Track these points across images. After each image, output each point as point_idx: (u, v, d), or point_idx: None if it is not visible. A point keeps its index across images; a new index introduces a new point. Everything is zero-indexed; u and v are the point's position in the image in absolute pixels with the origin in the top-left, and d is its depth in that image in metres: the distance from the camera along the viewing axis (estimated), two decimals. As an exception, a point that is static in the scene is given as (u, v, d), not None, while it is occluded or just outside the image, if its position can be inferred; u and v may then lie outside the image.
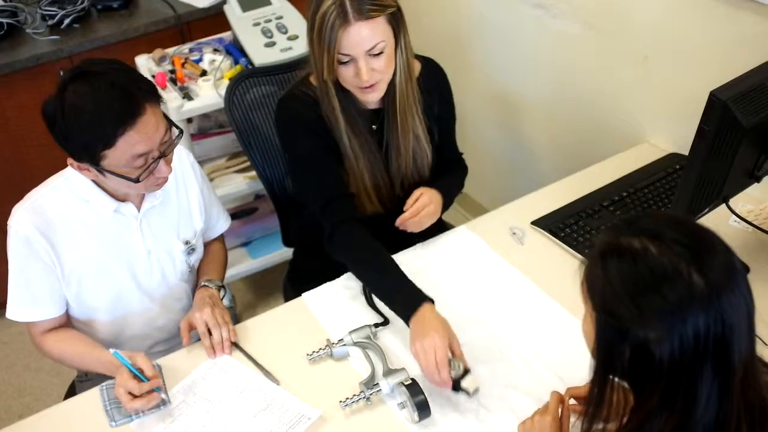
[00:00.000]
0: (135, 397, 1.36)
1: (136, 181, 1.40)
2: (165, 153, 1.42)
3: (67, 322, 1.61)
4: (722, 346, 0.86)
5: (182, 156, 1.65)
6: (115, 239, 1.55)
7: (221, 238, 1.87)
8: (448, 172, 1.86)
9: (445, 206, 1.77)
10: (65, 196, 1.50)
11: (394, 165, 1.74)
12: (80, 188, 1.50)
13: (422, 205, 1.68)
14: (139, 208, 1.55)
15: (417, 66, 1.72)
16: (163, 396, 1.40)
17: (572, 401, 1.27)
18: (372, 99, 1.61)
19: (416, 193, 1.70)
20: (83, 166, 1.40)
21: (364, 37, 1.47)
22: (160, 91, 2.17)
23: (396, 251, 1.70)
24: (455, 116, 1.87)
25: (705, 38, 1.82)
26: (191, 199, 1.67)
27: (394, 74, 1.60)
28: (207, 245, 1.80)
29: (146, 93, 1.37)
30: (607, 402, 0.96)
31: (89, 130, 1.33)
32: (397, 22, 1.53)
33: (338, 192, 1.66)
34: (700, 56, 1.85)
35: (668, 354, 0.87)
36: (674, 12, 1.87)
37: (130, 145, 1.35)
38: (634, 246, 0.90)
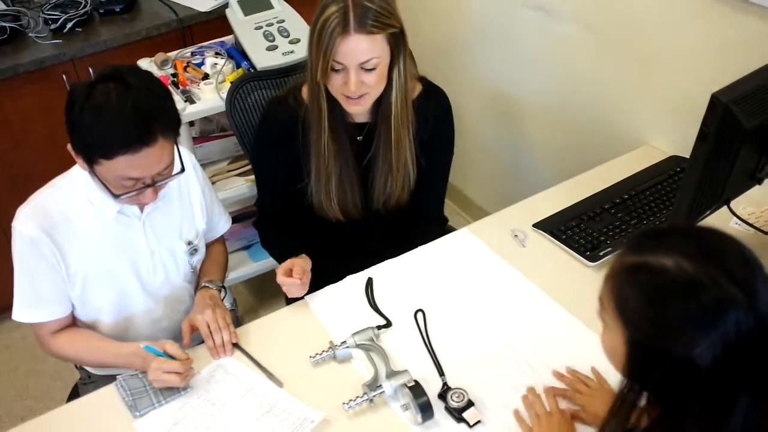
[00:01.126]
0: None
1: (116, 197, 1.41)
2: (155, 182, 1.42)
3: (73, 322, 1.61)
4: (763, 346, 0.86)
5: (185, 157, 1.65)
6: (118, 240, 1.55)
7: (222, 240, 1.88)
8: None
9: None
10: (69, 197, 1.51)
11: (378, 180, 1.75)
12: (84, 189, 1.50)
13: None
14: (142, 209, 1.55)
15: (417, 88, 1.74)
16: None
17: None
18: (355, 111, 1.63)
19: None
20: (78, 157, 1.40)
21: (360, 49, 1.49)
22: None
23: (370, 259, 1.73)
24: (452, 152, 1.86)
25: (706, 41, 1.83)
26: (193, 200, 1.68)
27: (390, 93, 1.62)
28: (208, 246, 1.80)
29: (166, 126, 1.37)
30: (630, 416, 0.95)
31: (97, 135, 1.33)
32: (396, 43, 1.55)
33: (270, 210, 1.88)
34: (700, 58, 1.86)
35: (711, 362, 0.85)
36: (675, 14, 1.88)
37: (126, 167, 1.35)
38: (667, 265, 0.87)
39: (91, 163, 1.37)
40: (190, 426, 1.37)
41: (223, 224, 1.84)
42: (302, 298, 1.64)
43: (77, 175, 1.50)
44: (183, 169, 1.48)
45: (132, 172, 1.37)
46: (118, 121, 1.32)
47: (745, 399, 0.88)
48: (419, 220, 1.88)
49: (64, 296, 1.55)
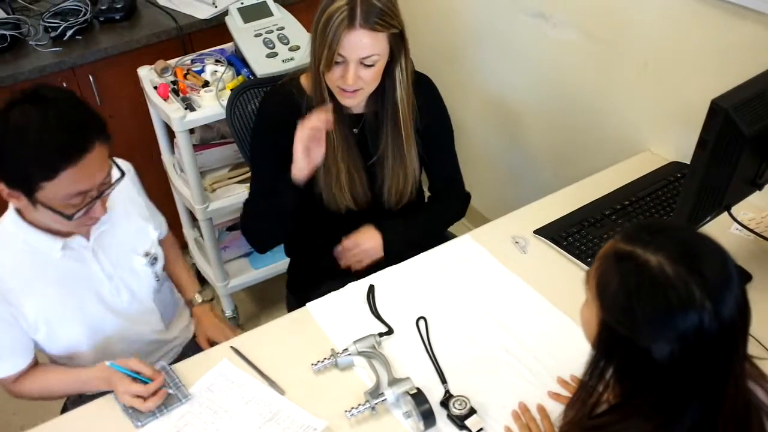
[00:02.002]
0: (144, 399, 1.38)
1: (70, 218, 1.34)
2: (102, 193, 1.37)
3: (35, 362, 1.56)
4: (720, 351, 0.91)
5: (121, 162, 1.58)
6: (71, 276, 1.50)
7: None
8: (432, 205, 1.91)
9: (397, 243, 1.79)
10: (7, 248, 1.44)
11: (390, 178, 1.76)
12: (22, 235, 1.43)
13: (350, 247, 1.76)
14: (88, 238, 1.50)
15: None
16: (172, 391, 1.42)
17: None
18: (348, 104, 1.66)
19: (353, 238, 1.77)
20: (13, 194, 1.32)
21: (362, 44, 1.53)
22: (161, 102, 2.20)
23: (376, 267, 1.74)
24: (451, 133, 1.88)
25: (705, 46, 1.83)
26: (139, 210, 1.65)
27: (395, 90, 1.66)
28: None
29: (97, 130, 1.32)
30: (596, 393, 1.00)
31: (31, 156, 1.26)
32: (396, 43, 1.59)
33: (259, 191, 1.82)
34: (700, 64, 1.86)
35: (668, 359, 0.90)
36: (674, 20, 1.88)
37: (72, 182, 1.29)
38: (650, 261, 0.92)
39: (32, 192, 1.29)
40: (192, 434, 1.37)
41: (163, 223, 1.80)
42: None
43: (10, 222, 1.43)
44: (123, 174, 1.43)
45: (79, 186, 1.31)
46: (50, 137, 1.26)
47: (697, 404, 0.93)
48: (441, 197, 1.92)
49: (22, 347, 1.50)
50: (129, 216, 1.62)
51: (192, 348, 1.81)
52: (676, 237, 0.96)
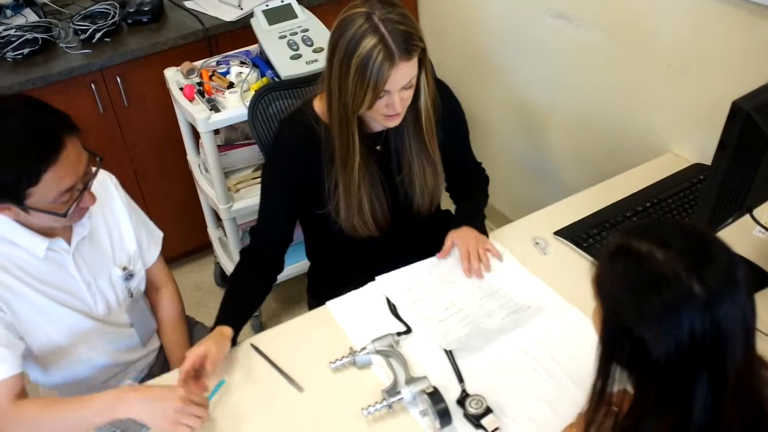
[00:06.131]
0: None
1: (65, 215, 1.37)
2: (87, 183, 1.40)
3: (22, 382, 1.44)
4: (717, 353, 0.90)
5: (105, 181, 1.62)
6: (52, 278, 1.50)
7: (170, 291, 1.82)
8: (471, 190, 1.92)
9: (480, 226, 1.81)
10: None
11: (415, 178, 1.75)
12: (5, 232, 1.44)
13: (474, 257, 1.71)
14: (69, 242, 1.51)
15: None
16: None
17: None
18: (394, 125, 1.63)
19: (448, 242, 1.75)
20: (3, 207, 1.35)
21: (404, 74, 1.51)
22: (187, 103, 2.23)
23: (393, 268, 1.74)
24: (467, 130, 1.89)
25: (728, 48, 1.82)
26: (121, 222, 1.65)
27: (419, 99, 1.63)
28: (157, 307, 1.79)
29: (63, 125, 1.34)
30: (609, 394, 1.00)
31: (9, 168, 1.29)
32: (422, 56, 1.56)
33: (265, 230, 1.78)
34: (723, 66, 1.85)
35: (664, 355, 0.91)
36: (697, 21, 1.87)
37: (56, 181, 1.32)
38: (641, 249, 0.93)
39: (21, 200, 1.32)
40: None
41: (152, 250, 1.75)
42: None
43: None
44: (101, 159, 1.43)
45: (64, 183, 1.33)
46: (21, 144, 1.29)
47: (702, 393, 0.91)
48: (463, 186, 1.94)
49: (18, 349, 1.44)
50: (110, 226, 1.63)
51: (159, 366, 1.81)
52: (662, 227, 0.98)
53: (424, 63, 1.57)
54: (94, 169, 1.43)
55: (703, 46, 1.88)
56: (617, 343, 0.97)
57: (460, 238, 1.75)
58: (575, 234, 1.77)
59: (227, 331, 1.53)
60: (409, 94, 1.57)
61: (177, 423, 1.30)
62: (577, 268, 1.70)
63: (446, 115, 1.76)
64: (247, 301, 1.69)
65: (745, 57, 1.78)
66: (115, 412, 1.33)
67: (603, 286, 0.99)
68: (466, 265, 1.70)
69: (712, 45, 1.86)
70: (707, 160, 1.87)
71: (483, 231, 1.80)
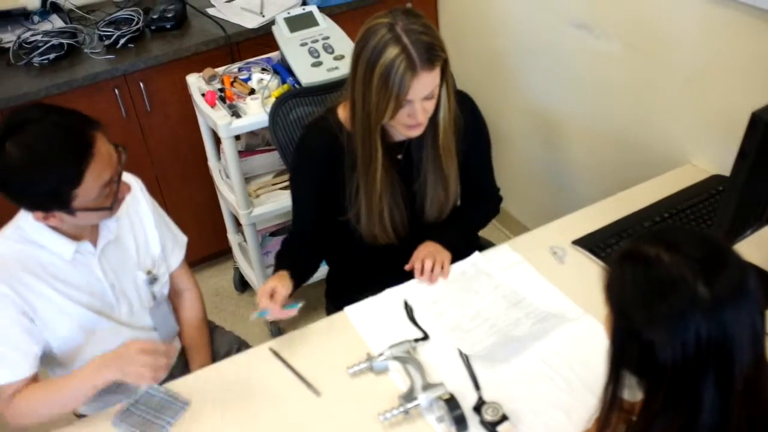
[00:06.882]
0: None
1: (111, 208, 1.41)
2: (120, 174, 1.44)
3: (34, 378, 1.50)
4: (723, 357, 0.91)
5: (132, 183, 1.62)
6: (78, 280, 1.53)
7: (193, 295, 1.85)
8: (471, 213, 1.92)
9: (455, 248, 1.80)
10: (21, 246, 1.47)
11: (428, 191, 1.76)
12: (34, 235, 1.47)
13: (430, 268, 1.72)
14: (95, 245, 1.54)
15: None
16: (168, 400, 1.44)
17: None
18: (416, 134, 1.64)
19: (418, 254, 1.75)
20: (50, 215, 1.38)
21: (427, 84, 1.52)
22: (208, 109, 2.26)
23: (410, 275, 1.74)
24: (489, 146, 1.89)
25: (748, 58, 1.81)
26: (146, 225, 1.68)
27: (439, 110, 1.64)
28: (180, 313, 1.81)
29: (87, 123, 1.37)
30: (620, 399, 1.01)
31: (51, 175, 1.32)
32: (444, 67, 1.57)
33: (303, 227, 1.85)
34: (742, 76, 1.84)
35: (671, 358, 0.91)
36: (716, 32, 1.87)
37: (96, 177, 1.36)
38: (649, 253, 0.95)
39: (67, 204, 1.35)
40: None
41: (176, 255, 1.78)
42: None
43: (24, 222, 1.46)
44: (124, 147, 1.46)
45: (103, 177, 1.38)
46: (56, 149, 1.32)
47: (710, 396, 0.92)
48: (470, 207, 1.94)
49: (30, 353, 1.47)
50: (136, 230, 1.66)
51: (180, 369, 1.81)
52: (673, 233, 0.99)
53: (445, 74, 1.58)
54: (123, 158, 1.47)
55: (722, 56, 1.88)
56: (627, 346, 0.98)
57: (423, 247, 1.77)
58: (593, 243, 1.77)
59: (286, 273, 1.64)
60: (431, 105, 1.58)
61: (145, 366, 1.38)
62: (595, 277, 1.67)
63: (468, 126, 1.77)
64: (298, 263, 1.75)
65: (764, 67, 1.78)
66: (101, 374, 1.41)
67: (612, 291, 1.00)
68: (418, 266, 1.71)
69: (731, 55, 1.86)
70: (726, 172, 1.87)
71: (451, 249, 1.78)
